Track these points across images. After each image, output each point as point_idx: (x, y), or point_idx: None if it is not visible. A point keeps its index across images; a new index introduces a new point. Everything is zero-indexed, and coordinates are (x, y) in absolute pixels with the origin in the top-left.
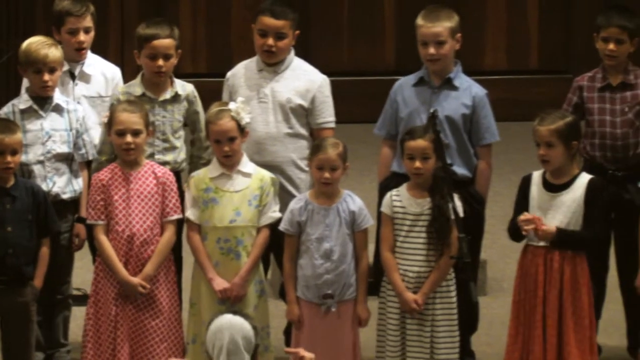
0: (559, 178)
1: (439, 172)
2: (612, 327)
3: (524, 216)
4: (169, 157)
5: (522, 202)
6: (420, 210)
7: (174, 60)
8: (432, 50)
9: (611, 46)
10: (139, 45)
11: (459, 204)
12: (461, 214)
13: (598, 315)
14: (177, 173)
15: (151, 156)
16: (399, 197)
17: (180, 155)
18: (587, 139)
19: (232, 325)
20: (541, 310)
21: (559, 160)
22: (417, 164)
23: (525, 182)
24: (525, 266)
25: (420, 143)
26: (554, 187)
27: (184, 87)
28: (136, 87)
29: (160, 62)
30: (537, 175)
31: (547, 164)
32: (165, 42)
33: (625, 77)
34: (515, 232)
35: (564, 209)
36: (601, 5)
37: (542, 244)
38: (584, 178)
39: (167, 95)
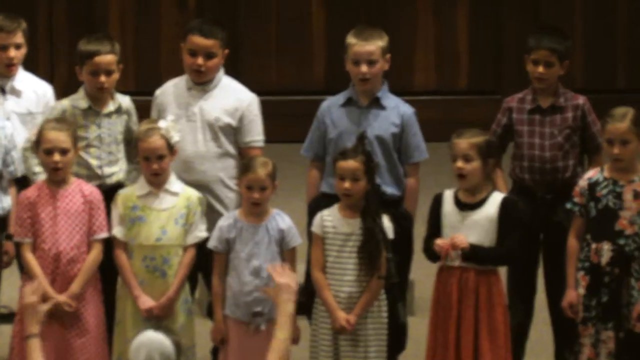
0: (473, 197)
1: (371, 194)
2: (539, 348)
3: (441, 242)
4: (115, 168)
5: (434, 220)
6: (351, 230)
7: (116, 76)
8: (364, 68)
9: (540, 69)
10: (80, 62)
11: (388, 225)
12: (390, 235)
13: (526, 336)
14: (122, 186)
15: (99, 168)
16: (330, 217)
17: (124, 166)
18: (517, 162)
19: (150, 342)
20: (454, 330)
21: (475, 176)
22: (347, 184)
23: (437, 201)
24: (441, 286)
25: (351, 164)
26: (467, 205)
27: (123, 99)
28: (81, 101)
29: (103, 78)
30: (449, 194)
31: (463, 179)
32: (107, 58)
33: (555, 99)
34: (431, 252)
35: (477, 228)
36: (531, 26)
37: (457, 263)
38: (498, 197)
39: (111, 107)
